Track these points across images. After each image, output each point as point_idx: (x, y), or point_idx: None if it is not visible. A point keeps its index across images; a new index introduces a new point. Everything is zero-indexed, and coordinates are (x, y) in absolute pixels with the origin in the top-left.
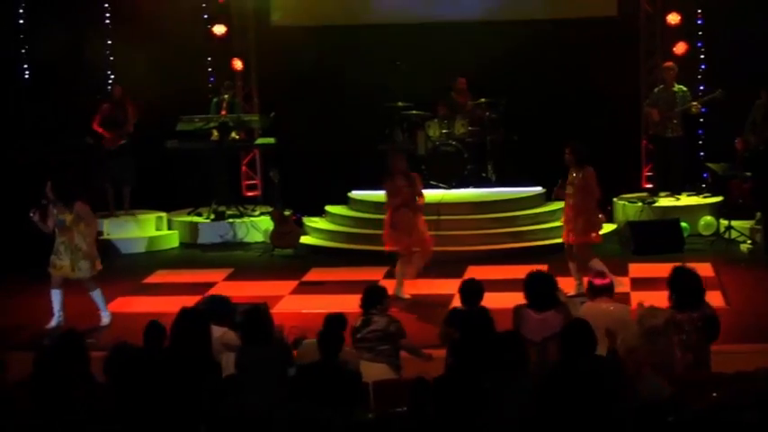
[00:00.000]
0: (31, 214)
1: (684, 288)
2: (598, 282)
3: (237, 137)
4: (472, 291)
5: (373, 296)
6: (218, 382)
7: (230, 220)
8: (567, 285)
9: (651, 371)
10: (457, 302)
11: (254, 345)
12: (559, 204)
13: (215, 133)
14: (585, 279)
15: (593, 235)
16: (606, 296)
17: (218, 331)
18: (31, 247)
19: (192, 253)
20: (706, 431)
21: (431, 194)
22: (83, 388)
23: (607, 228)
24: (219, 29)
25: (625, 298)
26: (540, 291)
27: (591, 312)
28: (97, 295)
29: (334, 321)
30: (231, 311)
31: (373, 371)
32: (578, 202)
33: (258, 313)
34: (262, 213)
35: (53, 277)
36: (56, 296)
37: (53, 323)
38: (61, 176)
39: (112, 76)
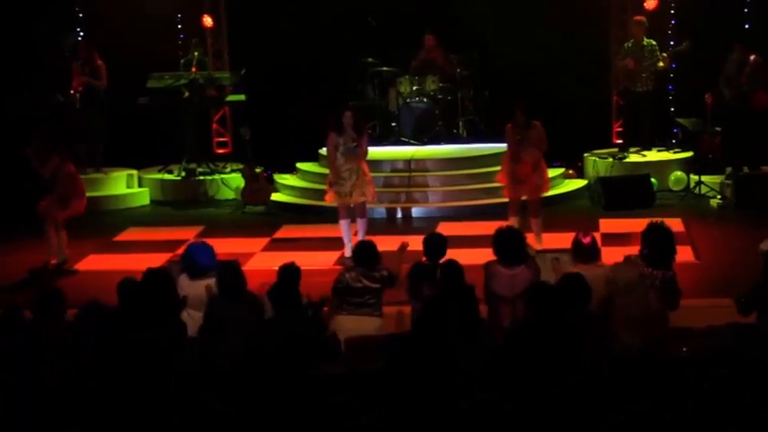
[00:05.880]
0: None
1: (658, 245)
2: (587, 241)
3: (207, 94)
4: (434, 245)
5: (368, 255)
6: (186, 340)
7: (201, 177)
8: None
9: (623, 326)
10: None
11: (229, 300)
12: None
13: (185, 92)
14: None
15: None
16: (595, 257)
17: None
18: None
19: (163, 210)
20: (675, 385)
21: (402, 151)
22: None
23: (577, 183)
24: None
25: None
26: (509, 247)
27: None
28: (362, 224)
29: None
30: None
31: (357, 323)
32: (536, 159)
33: (233, 268)
34: (232, 170)
35: (339, 209)
36: (344, 226)
37: (346, 253)
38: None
39: (82, 33)
